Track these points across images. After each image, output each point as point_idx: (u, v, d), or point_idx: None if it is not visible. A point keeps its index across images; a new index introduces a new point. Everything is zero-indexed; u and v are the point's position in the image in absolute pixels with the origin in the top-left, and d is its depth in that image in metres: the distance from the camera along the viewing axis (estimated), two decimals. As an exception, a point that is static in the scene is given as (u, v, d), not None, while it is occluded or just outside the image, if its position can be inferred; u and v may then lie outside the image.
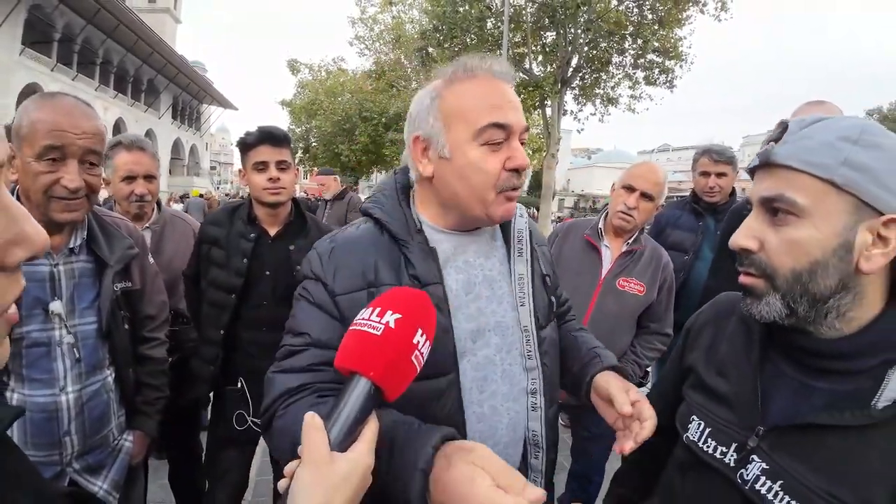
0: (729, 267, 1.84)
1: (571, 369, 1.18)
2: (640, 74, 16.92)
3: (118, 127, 30.07)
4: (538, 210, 17.74)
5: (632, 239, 2.28)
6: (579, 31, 16.08)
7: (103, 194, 2.44)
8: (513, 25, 16.79)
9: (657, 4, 15.83)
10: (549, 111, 16.80)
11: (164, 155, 36.02)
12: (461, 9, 16.63)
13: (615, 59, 16.95)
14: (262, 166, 2.05)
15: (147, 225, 2.35)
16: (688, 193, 3.02)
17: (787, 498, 0.75)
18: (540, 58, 17.61)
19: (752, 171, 0.83)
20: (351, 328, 0.72)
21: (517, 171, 0.97)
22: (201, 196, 12.48)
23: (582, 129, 18.54)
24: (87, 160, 1.39)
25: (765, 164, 0.77)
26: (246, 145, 2.08)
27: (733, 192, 2.93)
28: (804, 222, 0.73)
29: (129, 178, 2.23)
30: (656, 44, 16.14)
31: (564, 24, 15.85)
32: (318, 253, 1.03)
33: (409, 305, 0.73)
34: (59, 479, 1.45)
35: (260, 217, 2.15)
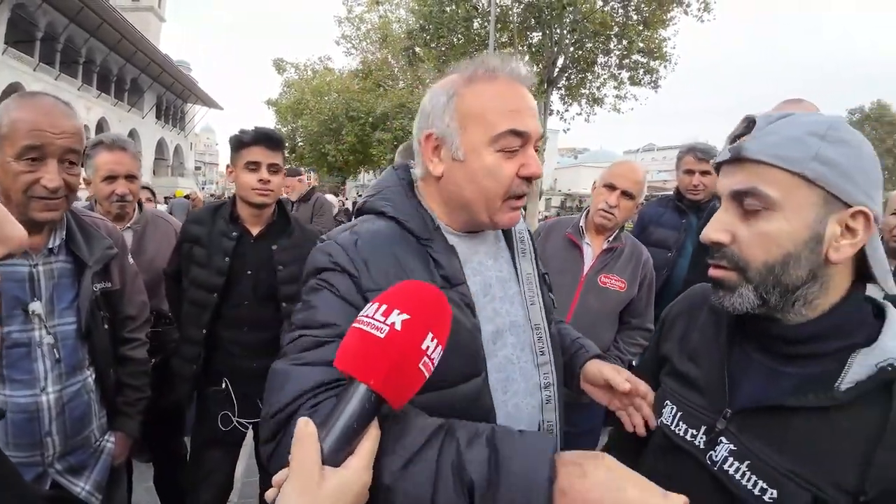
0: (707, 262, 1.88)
1: None
2: (624, 75, 17.11)
3: (101, 126, 29.62)
4: (525, 209, 17.82)
5: (612, 236, 2.33)
6: (565, 31, 16.19)
7: (84, 194, 2.42)
8: (499, 25, 16.84)
9: (642, 5, 16.00)
10: (535, 111, 16.88)
11: (147, 155, 35.55)
12: (448, 8, 16.67)
13: (600, 59, 17.10)
14: (253, 166, 2.06)
15: (128, 225, 2.33)
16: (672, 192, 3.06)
17: (753, 478, 0.77)
18: (526, 58, 17.69)
19: (718, 166, 0.85)
20: (353, 325, 0.67)
21: (528, 180, 0.96)
22: (186, 197, 12.34)
23: (568, 129, 18.70)
24: (66, 159, 1.38)
25: (735, 159, 0.78)
26: (241, 143, 2.08)
27: None
28: (776, 215, 0.75)
29: (110, 178, 2.21)
30: (641, 44, 16.30)
31: (550, 24, 15.96)
32: (341, 244, 0.93)
33: (419, 305, 0.66)
34: (42, 479, 1.45)
35: (243, 216, 2.15)
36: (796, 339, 0.80)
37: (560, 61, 16.87)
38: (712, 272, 0.83)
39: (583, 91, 17.50)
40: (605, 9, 16.10)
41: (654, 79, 16.80)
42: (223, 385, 2.15)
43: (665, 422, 0.94)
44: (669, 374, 0.99)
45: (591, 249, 2.35)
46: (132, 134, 33.63)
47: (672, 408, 0.93)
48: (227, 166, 2.19)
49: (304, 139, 27.66)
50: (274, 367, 0.87)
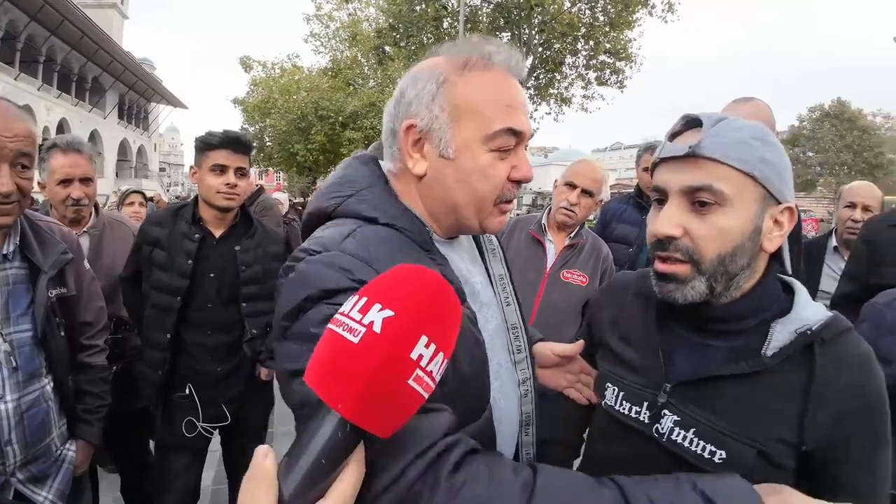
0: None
1: None
2: (592, 75, 17.47)
3: (62, 127, 28.64)
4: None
5: (574, 233, 2.40)
6: (534, 31, 16.38)
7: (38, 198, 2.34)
8: (469, 25, 16.94)
9: (608, 7, 16.31)
10: (504, 110, 17.08)
11: (109, 157, 34.55)
12: (418, 7, 16.70)
13: (568, 59, 17.41)
14: (220, 169, 2.04)
15: (85, 229, 2.28)
16: None
17: (701, 443, 0.83)
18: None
19: (659, 162, 0.88)
20: (328, 326, 0.52)
21: (518, 183, 0.88)
22: (150, 199, 12.00)
23: (537, 129, 18.91)
24: (18, 163, 1.35)
25: (688, 156, 0.82)
26: (208, 145, 2.06)
27: None
28: (728, 210, 0.80)
29: (65, 182, 2.16)
30: (607, 45, 16.64)
31: (519, 24, 16.13)
32: (354, 255, 0.75)
33: (410, 296, 0.50)
34: (4, 489, 1.42)
35: (206, 218, 2.13)
36: (725, 317, 0.87)
37: (529, 61, 17.07)
38: (662, 268, 0.86)
39: (551, 91, 17.77)
40: (573, 10, 16.37)
41: (620, 79, 17.19)
42: (187, 391, 2.12)
43: (608, 403, 0.98)
44: (606, 359, 1.04)
45: (554, 246, 2.42)
46: (93, 135, 32.61)
47: (614, 389, 0.98)
48: (191, 167, 2.17)
49: (273, 139, 27.24)
50: None
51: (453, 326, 0.54)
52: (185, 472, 2.18)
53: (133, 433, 2.43)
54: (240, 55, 28.65)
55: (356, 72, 26.31)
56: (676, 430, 0.86)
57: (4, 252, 1.43)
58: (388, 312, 0.49)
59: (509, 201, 0.89)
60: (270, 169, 34.07)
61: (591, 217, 2.76)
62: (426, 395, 0.51)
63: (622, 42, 16.72)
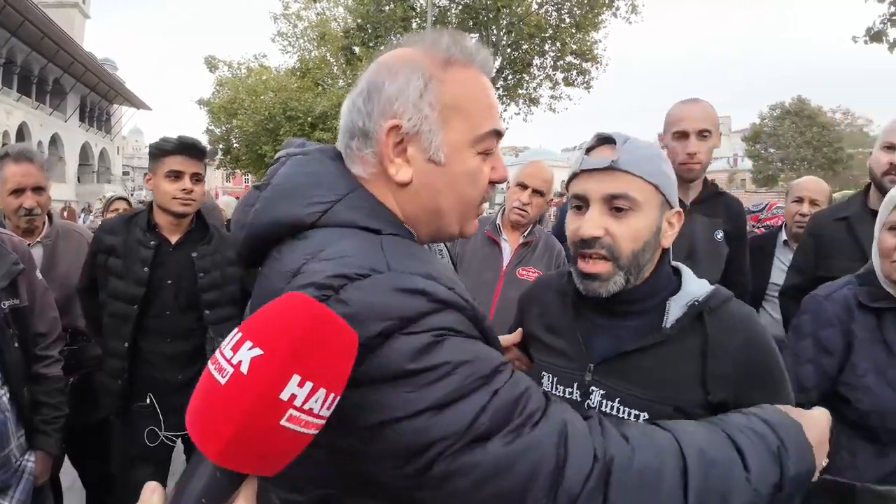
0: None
1: None
2: (559, 76, 17.69)
3: (21, 132, 27.73)
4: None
5: (527, 232, 2.51)
6: (502, 33, 16.54)
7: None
8: (438, 26, 17.00)
9: (574, 9, 16.58)
10: (474, 111, 17.27)
11: (71, 161, 33.53)
12: (386, 8, 16.68)
13: (536, 60, 17.63)
14: (175, 175, 2.04)
15: (38, 239, 2.25)
16: None
17: (627, 409, 0.96)
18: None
19: (579, 173, 1.01)
20: (209, 361, 0.50)
21: (494, 185, 0.85)
22: (96, 201, 11.67)
23: (507, 129, 19.10)
24: None
25: (608, 168, 0.96)
26: (162, 151, 2.05)
27: None
28: (639, 214, 0.96)
29: (18, 192, 2.14)
30: (574, 46, 16.91)
31: (488, 25, 16.26)
32: (413, 272, 0.66)
33: (282, 333, 0.47)
34: None
35: (161, 224, 2.13)
36: (630, 300, 1.02)
37: (497, 62, 17.23)
38: (588, 268, 0.98)
39: (520, 91, 17.95)
40: (540, 12, 16.60)
41: (586, 79, 17.48)
42: (148, 400, 2.12)
43: (546, 389, 1.08)
44: (538, 350, 1.15)
45: (509, 245, 2.52)
46: (55, 139, 31.61)
47: (549, 377, 1.08)
48: (146, 174, 2.16)
49: (240, 140, 26.83)
50: (488, 461, 0.60)
51: (339, 359, 0.51)
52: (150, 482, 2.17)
53: (95, 445, 2.41)
54: (205, 55, 28.04)
55: (325, 72, 26.08)
56: (604, 402, 0.99)
57: (-46, 264, 1.43)
58: (258, 351, 0.46)
59: (485, 202, 0.87)
60: (238, 171, 33.60)
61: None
62: (311, 432, 0.49)
63: (588, 43, 17.02)
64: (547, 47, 17.35)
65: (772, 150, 40.03)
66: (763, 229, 3.58)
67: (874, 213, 1.55)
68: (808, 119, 38.14)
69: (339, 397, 0.51)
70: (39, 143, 29.35)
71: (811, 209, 2.70)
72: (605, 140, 1.00)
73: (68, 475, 2.47)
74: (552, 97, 18.02)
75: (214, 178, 55.25)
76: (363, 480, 0.67)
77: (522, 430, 0.62)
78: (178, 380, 2.09)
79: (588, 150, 1.01)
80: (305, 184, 0.77)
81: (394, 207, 0.79)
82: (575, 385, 1.03)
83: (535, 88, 18.03)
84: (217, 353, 0.49)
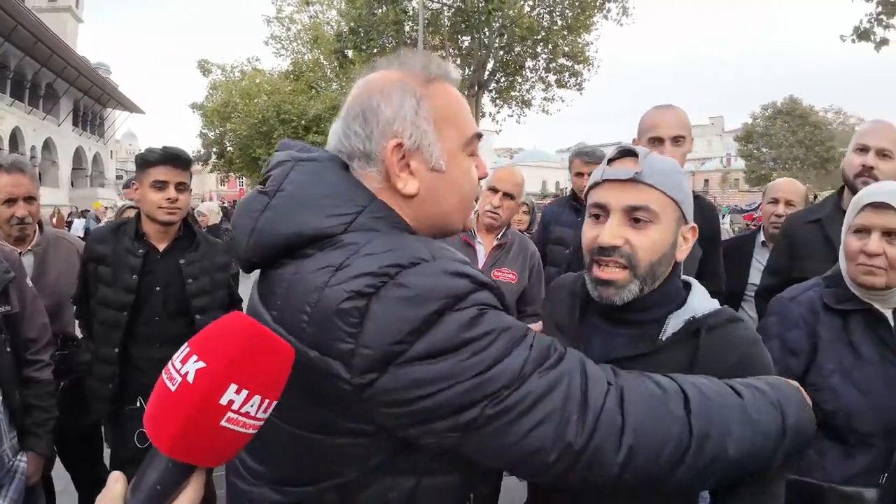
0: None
1: None
2: (551, 78, 17.77)
3: (14, 137, 27.67)
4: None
5: (500, 234, 2.58)
6: (494, 35, 16.62)
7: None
8: (431, 29, 17.07)
9: (566, 11, 16.67)
10: (467, 113, 17.33)
11: (64, 166, 33.47)
12: (378, 11, 16.72)
13: (528, 63, 17.70)
14: (160, 185, 2.09)
15: (29, 248, 2.31)
16: None
17: None
18: (458, 61, 18.02)
19: (601, 182, 1.03)
20: (163, 371, 0.59)
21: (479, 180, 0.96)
22: (107, 209, 11.69)
23: (500, 131, 19.20)
24: None
25: (630, 180, 0.98)
26: (147, 162, 2.11)
27: None
28: (657, 227, 0.98)
29: (10, 201, 2.19)
30: (566, 48, 17.01)
31: (479, 28, 16.32)
32: (452, 257, 0.78)
33: (220, 349, 0.56)
34: None
35: (149, 233, 2.18)
36: (635, 308, 1.02)
37: (490, 65, 17.32)
38: (605, 274, 0.99)
39: (513, 94, 18.03)
40: (532, 14, 16.68)
41: (578, 81, 17.57)
42: (138, 403, 2.17)
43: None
44: None
45: (483, 247, 2.58)
46: (48, 143, 31.51)
47: None
48: (133, 183, 2.22)
49: (234, 144, 26.84)
50: (533, 393, 0.72)
51: (273, 370, 0.59)
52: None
53: (86, 449, 2.47)
54: (198, 58, 28.02)
55: (318, 75, 26.12)
56: None
57: (-52, 273, 1.49)
58: (201, 364, 0.55)
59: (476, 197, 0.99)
60: (231, 174, 33.56)
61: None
62: (249, 432, 0.58)
63: (580, 45, 17.12)
64: (539, 49, 17.43)
65: (764, 150, 40.18)
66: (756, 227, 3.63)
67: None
68: (800, 118, 38.34)
69: (275, 402, 0.60)
70: (33, 147, 29.27)
71: (787, 210, 2.71)
72: (627, 152, 1.03)
73: (61, 479, 2.51)
74: (545, 99, 18.12)
75: (208, 181, 55.16)
76: (390, 456, 0.78)
77: (554, 366, 0.75)
78: (167, 384, 2.14)
79: (610, 161, 1.04)
80: (322, 194, 0.82)
81: (403, 216, 0.87)
82: None
83: (527, 90, 18.12)
84: (169, 365, 0.57)
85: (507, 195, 2.51)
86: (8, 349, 1.65)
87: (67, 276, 2.33)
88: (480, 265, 2.52)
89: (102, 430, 2.43)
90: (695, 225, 1.05)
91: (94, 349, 2.20)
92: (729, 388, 0.82)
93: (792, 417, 0.82)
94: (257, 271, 0.90)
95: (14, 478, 1.64)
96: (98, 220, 3.87)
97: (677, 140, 1.99)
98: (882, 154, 1.95)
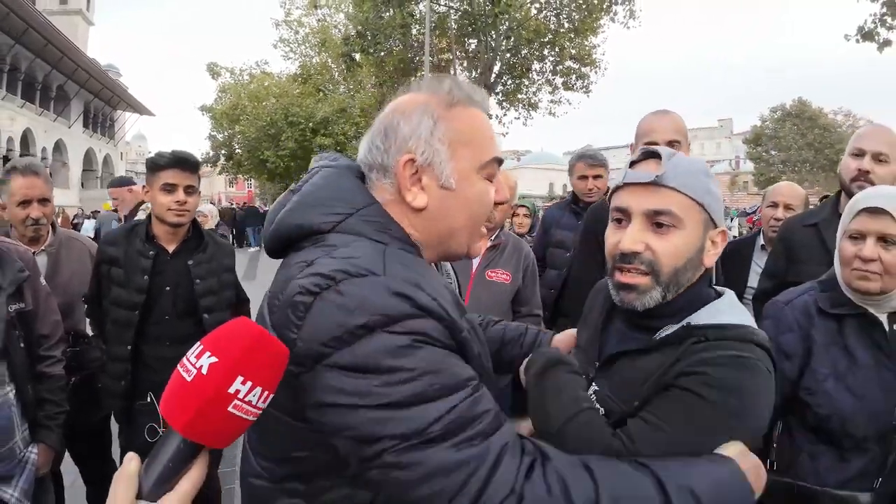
0: (589, 259, 1.99)
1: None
2: (558, 80, 17.74)
3: (26, 138, 28.01)
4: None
5: (494, 235, 2.58)
6: (501, 38, 16.64)
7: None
8: (438, 32, 17.13)
9: (573, 14, 16.67)
10: (473, 116, 17.35)
11: (75, 167, 33.85)
12: (385, 15, 16.79)
13: (535, 65, 17.70)
14: (170, 188, 2.17)
15: (43, 248, 2.38)
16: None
17: (600, 407, 0.99)
18: (465, 63, 18.09)
19: (622, 186, 1.00)
20: (177, 367, 0.66)
21: (498, 204, 0.98)
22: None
23: (507, 133, 19.20)
24: None
25: (651, 183, 0.95)
26: (157, 166, 2.19)
27: (608, 191, 3.20)
28: (681, 232, 0.95)
29: (25, 203, 2.27)
30: (573, 51, 17.00)
31: (486, 31, 16.35)
32: (403, 278, 0.77)
33: (230, 347, 0.65)
34: None
35: (159, 235, 2.26)
36: (650, 315, 0.99)
37: (496, 67, 17.34)
38: (624, 279, 0.97)
39: (519, 96, 18.03)
40: (539, 17, 16.69)
41: (585, 84, 17.55)
42: (148, 399, 2.23)
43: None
44: (576, 346, 1.22)
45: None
46: (58, 144, 31.85)
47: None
48: (143, 186, 2.29)
49: (242, 146, 27.05)
50: (431, 463, 0.69)
51: (271, 367, 0.67)
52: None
53: (95, 444, 2.53)
54: (208, 61, 28.29)
55: (326, 77, 26.29)
56: (594, 397, 1.03)
57: (-34, 272, 1.55)
58: (214, 359, 0.64)
59: (490, 222, 1.01)
60: (240, 176, 33.77)
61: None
62: (250, 418, 0.66)
63: (587, 48, 17.11)
64: (546, 52, 17.43)
65: (773, 153, 39.88)
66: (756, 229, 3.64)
67: None
68: (810, 121, 38.03)
69: (272, 395, 0.68)
70: (44, 149, 29.58)
71: (785, 214, 2.71)
72: (650, 154, 1.00)
73: (70, 473, 2.57)
74: (552, 101, 18.09)
75: (217, 183, 55.50)
76: (334, 459, 0.77)
77: (470, 443, 0.71)
78: (176, 381, 2.20)
79: (632, 164, 1.02)
80: (328, 196, 0.90)
81: (407, 228, 0.91)
82: (584, 378, 1.08)
83: (534, 93, 18.12)
84: (184, 360, 0.66)
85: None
86: (22, 345, 1.71)
87: (79, 275, 2.41)
88: (475, 266, 2.53)
89: (114, 426, 2.49)
90: (725, 229, 1.01)
91: (106, 348, 2.27)
92: (663, 497, 0.73)
93: None
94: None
95: (25, 468, 1.70)
96: (121, 220, 3.88)
97: (672, 145, 1.99)
98: (878, 158, 1.94)
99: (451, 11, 16.93)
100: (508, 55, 17.19)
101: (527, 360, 1.14)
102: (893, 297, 1.38)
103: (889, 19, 10.73)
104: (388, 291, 0.74)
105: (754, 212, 3.88)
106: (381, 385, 0.70)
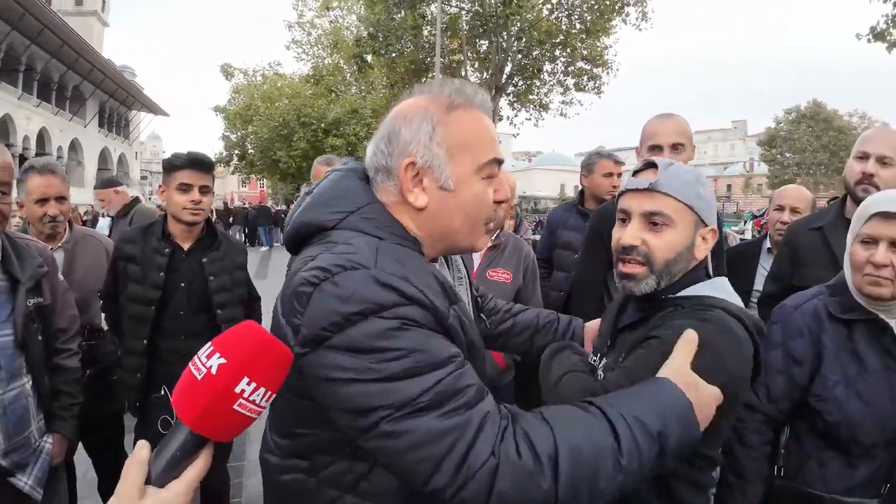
0: (594, 259, 2.13)
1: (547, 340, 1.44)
2: (570, 81, 17.68)
3: (42, 137, 28.43)
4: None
5: (494, 235, 2.59)
6: (512, 39, 16.63)
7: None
8: (449, 33, 17.16)
9: (585, 15, 16.62)
10: (485, 117, 17.34)
11: (90, 166, 34.25)
12: (397, 16, 16.85)
13: (547, 66, 17.66)
14: (185, 188, 2.23)
15: (60, 244, 2.45)
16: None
17: (600, 373, 1.21)
18: (476, 64, 18.11)
19: (624, 192, 1.19)
20: (189, 365, 0.71)
21: (499, 203, 1.05)
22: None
23: (518, 134, 19.20)
24: None
25: (648, 189, 1.13)
26: (173, 167, 2.26)
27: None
28: (673, 230, 1.12)
29: (42, 201, 2.34)
30: (584, 52, 16.94)
31: (497, 32, 16.35)
32: (392, 272, 0.84)
33: (238, 349, 0.69)
34: None
35: (174, 233, 2.32)
36: (655, 298, 1.17)
37: (508, 69, 17.33)
38: (625, 269, 1.15)
39: (531, 97, 18.00)
40: (551, 18, 16.66)
41: (597, 85, 17.48)
42: (162, 392, 2.29)
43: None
44: (599, 334, 1.40)
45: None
46: (74, 144, 32.29)
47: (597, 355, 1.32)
48: (160, 186, 2.35)
49: (255, 146, 27.30)
50: (421, 430, 0.77)
51: (275, 369, 0.72)
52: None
53: (109, 437, 2.59)
54: (221, 62, 28.59)
55: (338, 79, 26.45)
56: (601, 368, 1.23)
57: (-14, 267, 1.60)
58: (223, 360, 0.68)
59: (492, 220, 1.06)
60: (253, 176, 34.07)
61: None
62: (253, 416, 0.71)
63: (598, 49, 17.05)
64: (557, 53, 17.39)
65: (788, 155, 39.47)
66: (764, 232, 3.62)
67: (849, 223, 1.50)
68: (824, 123, 37.61)
69: (274, 394, 0.73)
70: (59, 147, 29.99)
71: (792, 217, 2.69)
72: (650, 165, 1.17)
73: (82, 464, 2.63)
74: (563, 102, 18.03)
75: (230, 183, 55.99)
76: (334, 436, 0.87)
77: (455, 412, 0.78)
78: (190, 374, 2.25)
79: (635, 173, 1.20)
80: (333, 196, 0.99)
81: (409, 225, 0.98)
82: (599, 355, 1.28)
83: (545, 94, 18.08)
84: (196, 358, 0.71)
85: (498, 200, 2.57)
86: (40, 338, 1.76)
87: (95, 271, 2.47)
88: (476, 266, 2.56)
89: (128, 420, 2.54)
90: (715, 228, 1.18)
91: (122, 342, 2.33)
92: (610, 428, 0.81)
93: (673, 443, 0.83)
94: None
95: (39, 457, 1.74)
96: (112, 219, 3.89)
97: (676, 147, 2.03)
98: (882, 161, 1.92)
99: (463, 12, 16.94)
100: (520, 56, 17.16)
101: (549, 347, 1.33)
102: None
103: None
104: (377, 283, 0.82)
105: (762, 215, 3.85)
106: (376, 362, 0.78)
